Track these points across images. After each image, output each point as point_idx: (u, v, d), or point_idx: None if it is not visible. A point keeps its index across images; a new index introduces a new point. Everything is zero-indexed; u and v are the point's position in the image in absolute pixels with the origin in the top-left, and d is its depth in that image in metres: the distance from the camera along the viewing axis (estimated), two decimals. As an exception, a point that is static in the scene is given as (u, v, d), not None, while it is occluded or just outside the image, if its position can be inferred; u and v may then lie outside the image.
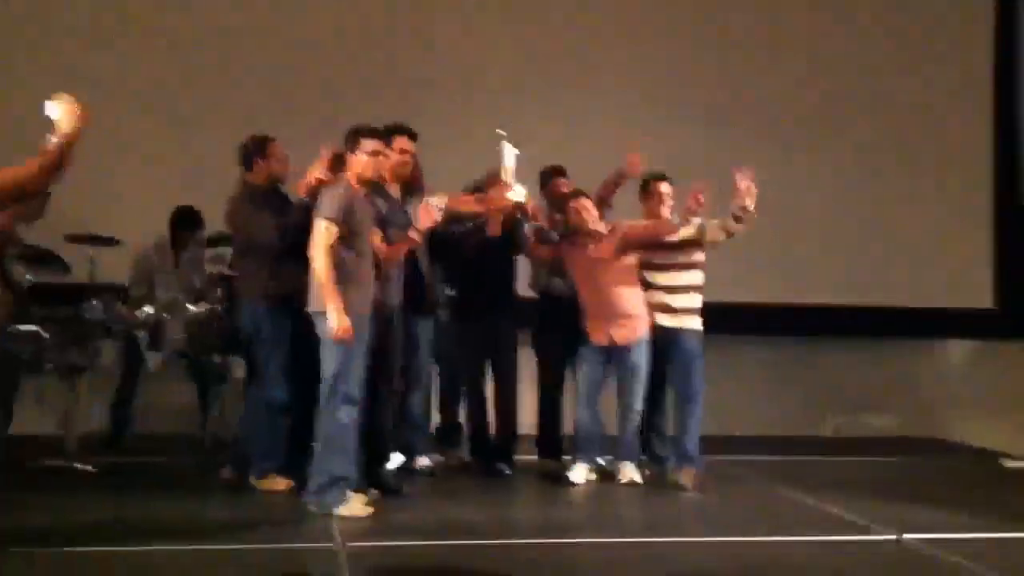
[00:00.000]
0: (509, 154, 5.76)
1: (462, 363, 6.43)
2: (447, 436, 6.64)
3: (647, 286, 6.07)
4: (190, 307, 6.12)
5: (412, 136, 5.54)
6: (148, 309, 6.10)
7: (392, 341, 5.39)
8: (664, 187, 6.13)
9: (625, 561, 4.59)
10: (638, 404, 6.04)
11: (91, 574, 4.12)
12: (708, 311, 6.10)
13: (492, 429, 6.33)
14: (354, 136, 5.15)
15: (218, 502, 5.31)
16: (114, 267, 6.17)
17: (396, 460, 5.98)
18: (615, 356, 6.04)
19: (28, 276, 5.78)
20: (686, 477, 5.94)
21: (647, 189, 6.17)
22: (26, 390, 6.03)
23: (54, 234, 5.91)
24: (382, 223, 5.31)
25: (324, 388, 5.00)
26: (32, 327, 5.79)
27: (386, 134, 5.35)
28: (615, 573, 4.45)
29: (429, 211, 5.39)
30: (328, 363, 4.99)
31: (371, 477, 5.39)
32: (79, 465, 5.83)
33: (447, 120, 7.22)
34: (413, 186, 5.69)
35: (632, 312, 6.02)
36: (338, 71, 7.59)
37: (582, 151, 6.94)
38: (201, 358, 6.25)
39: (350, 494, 5.07)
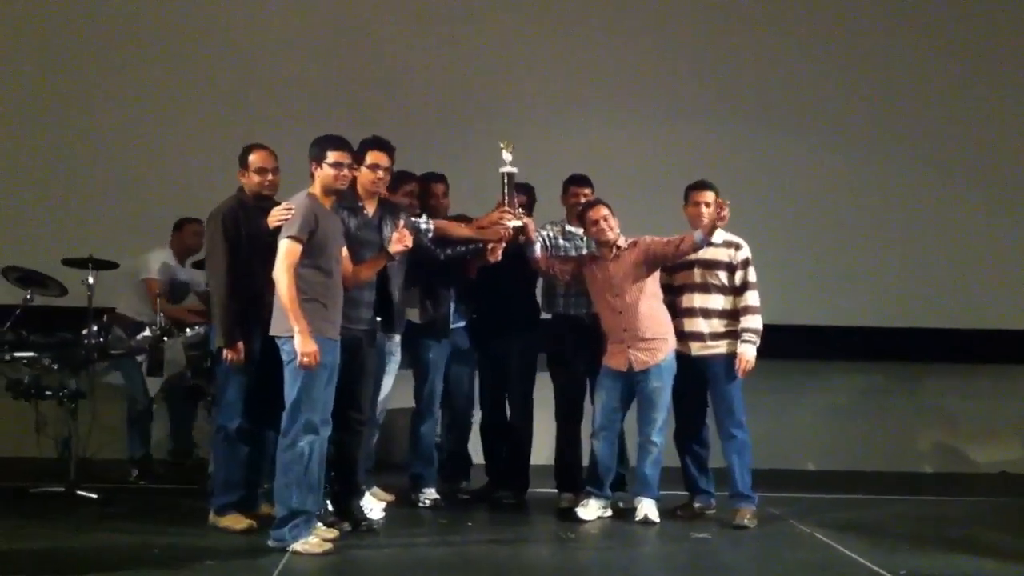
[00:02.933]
0: (509, 178, 5.56)
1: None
2: (455, 465, 6.27)
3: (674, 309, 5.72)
4: (187, 329, 5.97)
5: (386, 150, 5.14)
6: (147, 332, 5.96)
7: (359, 366, 5.07)
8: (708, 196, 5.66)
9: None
10: (656, 435, 5.61)
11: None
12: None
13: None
14: (319, 146, 4.86)
15: (186, 533, 5.04)
16: (111, 290, 6.04)
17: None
18: (634, 382, 5.61)
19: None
20: (741, 516, 5.56)
21: (687, 199, 5.78)
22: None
23: (51, 257, 5.86)
24: (350, 241, 5.00)
25: (285, 416, 4.74)
26: (30, 353, 5.76)
27: (360, 148, 5.05)
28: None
29: (404, 235, 5.06)
30: (290, 389, 4.72)
31: (342, 510, 5.12)
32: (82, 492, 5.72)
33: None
34: (392, 204, 5.36)
35: (653, 335, 5.61)
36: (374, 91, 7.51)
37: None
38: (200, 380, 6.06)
39: (317, 527, 4.80)
